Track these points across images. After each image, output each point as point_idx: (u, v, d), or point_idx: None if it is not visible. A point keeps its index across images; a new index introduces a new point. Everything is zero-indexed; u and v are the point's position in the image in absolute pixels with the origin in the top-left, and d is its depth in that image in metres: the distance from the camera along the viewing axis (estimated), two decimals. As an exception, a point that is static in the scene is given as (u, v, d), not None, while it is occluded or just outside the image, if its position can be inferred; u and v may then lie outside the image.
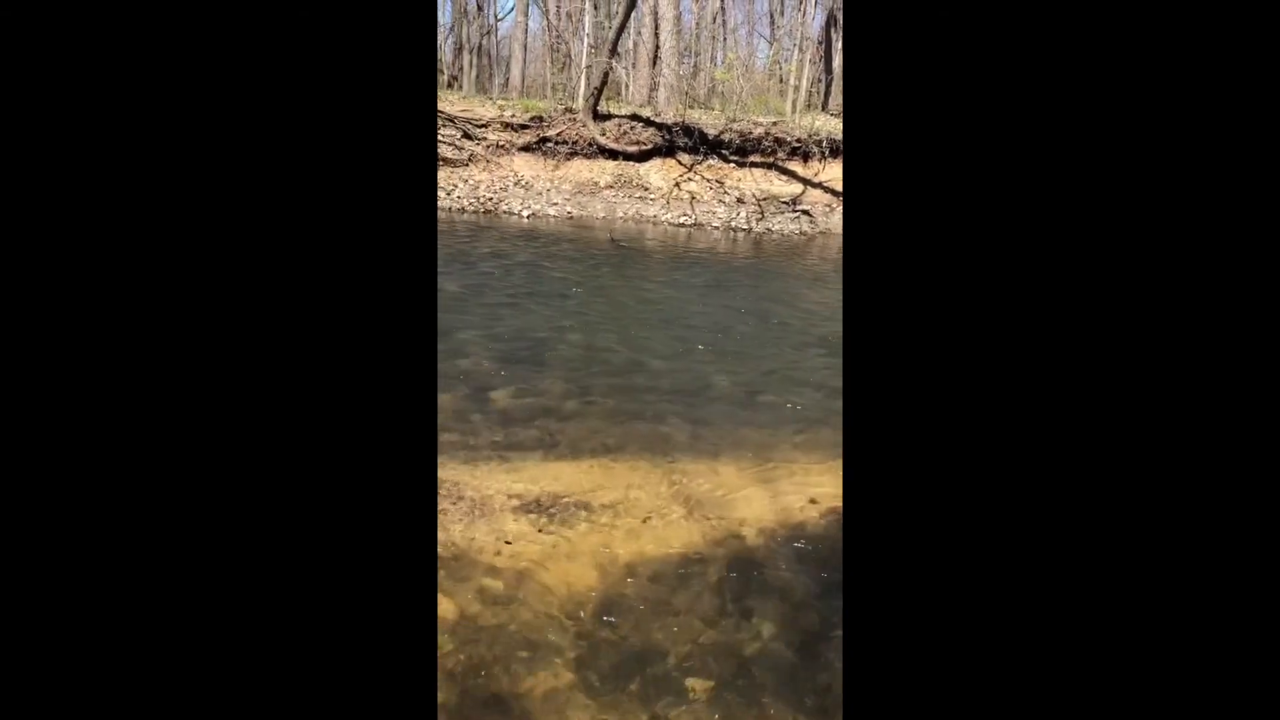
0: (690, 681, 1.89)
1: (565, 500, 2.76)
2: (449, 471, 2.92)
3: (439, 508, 2.64)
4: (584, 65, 14.50)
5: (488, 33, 21.48)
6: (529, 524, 2.58)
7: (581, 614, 2.13)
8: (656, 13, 14.31)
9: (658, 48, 14.53)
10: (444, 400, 3.65)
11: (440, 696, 1.81)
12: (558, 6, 19.97)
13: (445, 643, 1.98)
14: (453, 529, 2.52)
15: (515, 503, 2.71)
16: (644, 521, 2.66)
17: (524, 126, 12.45)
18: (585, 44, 15.00)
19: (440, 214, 10.72)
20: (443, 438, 3.23)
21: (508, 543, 2.46)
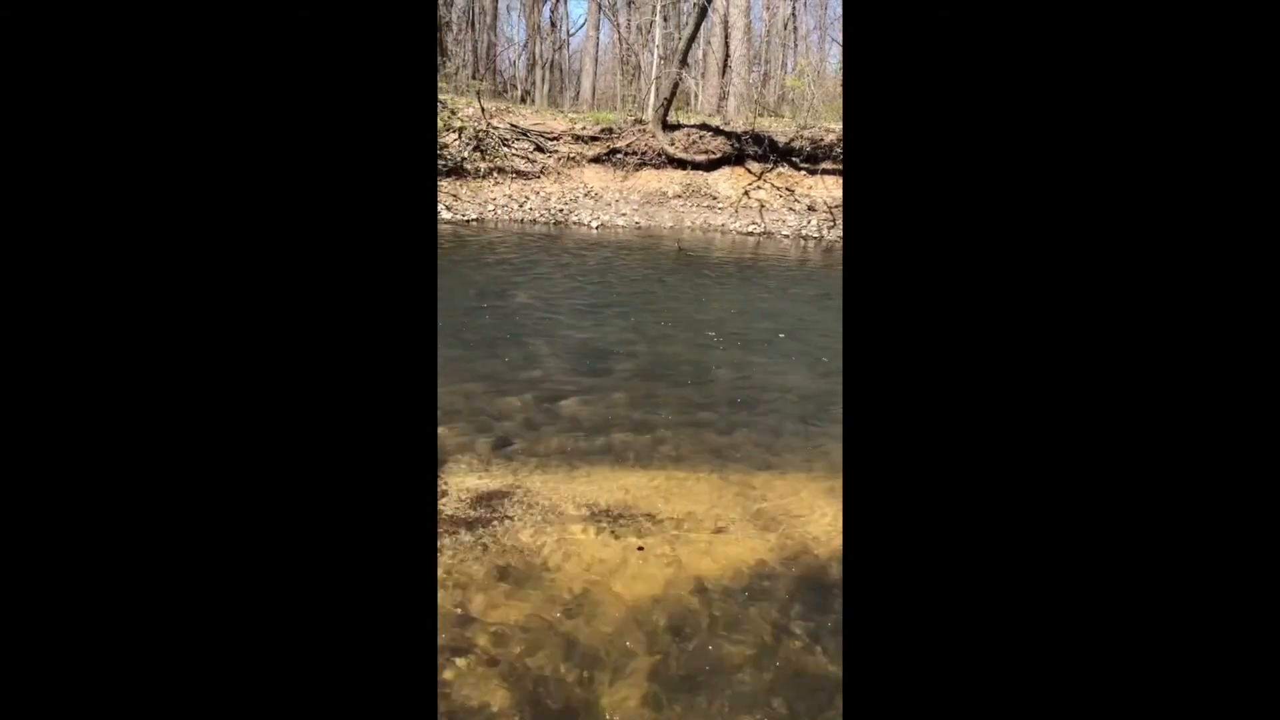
0: (761, 700, 1.84)
1: (634, 511, 2.74)
2: (518, 478, 2.96)
3: (508, 514, 2.68)
4: (654, 76, 14.61)
5: (560, 48, 21.97)
6: (597, 533, 2.58)
7: (651, 626, 2.11)
8: (727, 21, 14.28)
9: (727, 56, 14.49)
10: (513, 407, 3.72)
11: (509, 703, 1.82)
12: (628, 20, 20.24)
13: (514, 648, 2.00)
14: (522, 535, 2.55)
15: (584, 511, 2.72)
16: (714, 534, 2.62)
17: (594, 138, 12.63)
18: (655, 55, 15.13)
19: (513, 225, 11.00)
20: (512, 445, 3.28)
21: (576, 550, 2.46)
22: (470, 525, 2.60)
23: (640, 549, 2.49)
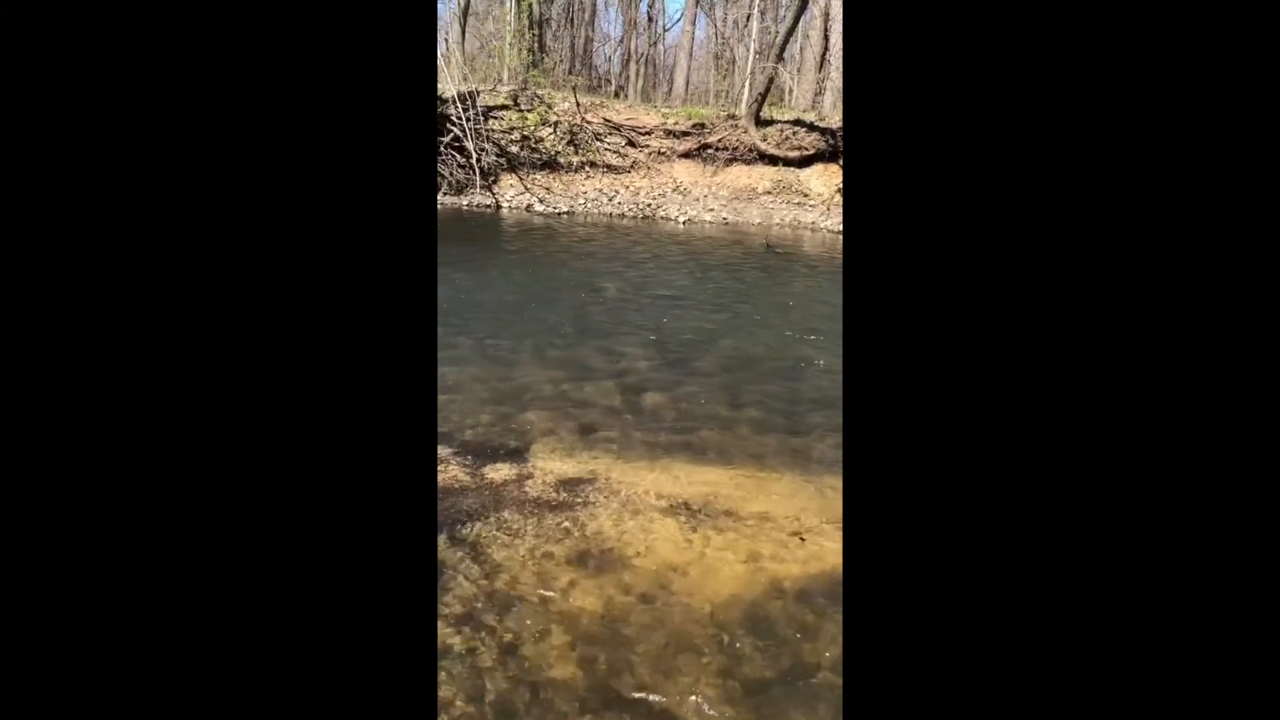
0: (835, 704, 1.81)
1: (713, 506, 2.74)
2: (601, 465, 3.02)
3: (590, 500, 2.73)
4: (748, 71, 14.42)
5: (655, 42, 22.05)
6: (676, 526, 2.60)
7: (726, 623, 2.11)
8: (827, 14, 13.90)
9: (826, 50, 14.10)
10: (598, 396, 3.79)
11: (583, 684, 1.87)
12: (724, 14, 20.05)
13: (591, 630, 2.04)
14: (602, 522, 2.60)
15: (664, 503, 2.74)
16: (792, 535, 2.58)
17: (685, 133, 12.62)
18: (750, 49, 14.92)
19: (602, 218, 11.16)
20: (595, 433, 3.35)
21: (655, 541, 2.49)
22: (553, 508, 2.67)
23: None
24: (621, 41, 21.46)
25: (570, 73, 17.00)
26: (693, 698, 1.83)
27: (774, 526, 2.63)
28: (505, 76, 14.34)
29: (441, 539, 2.45)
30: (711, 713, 1.78)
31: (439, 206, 10.83)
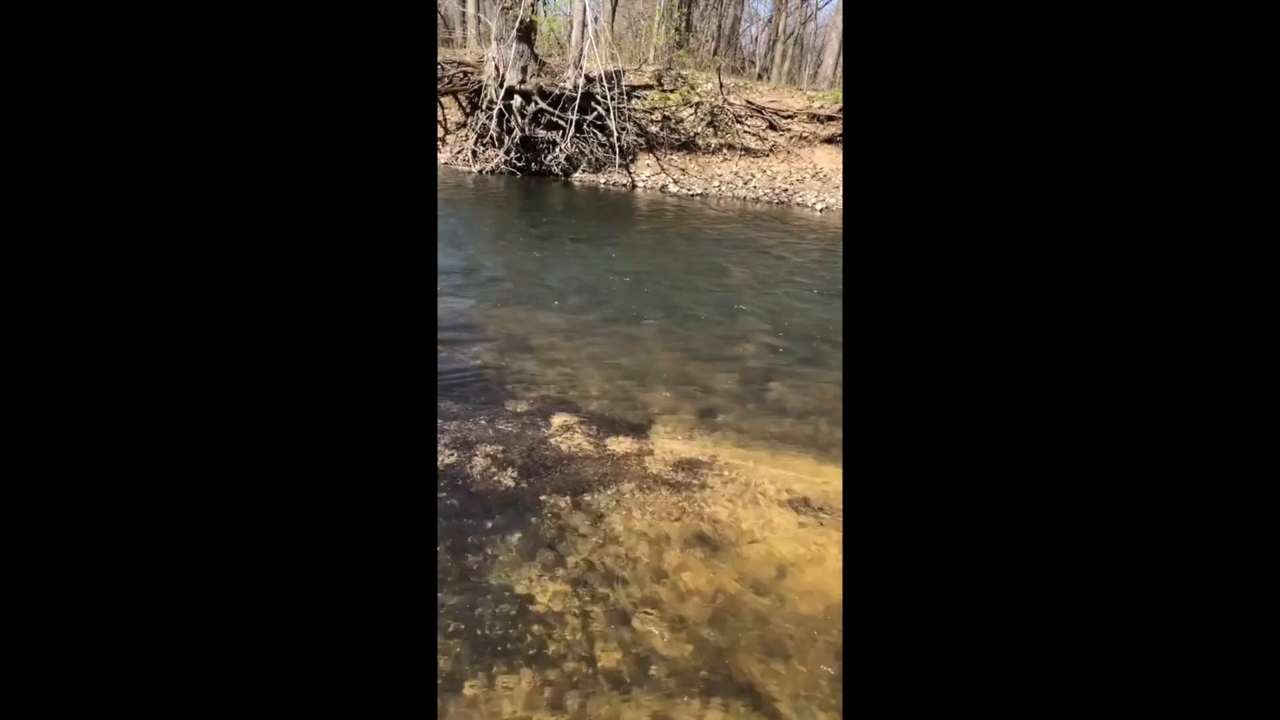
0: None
1: (834, 505, 2.65)
2: (720, 451, 3.00)
3: (707, 483, 2.72)
4: (905, 53, 13.53)
5: (806, 21, 21.26)
6: (795, 521, 2.54)
7: (839, 622, 2.04)
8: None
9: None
10: (721, 381, 3.76)
11: (692, 664, 1.87)
12: (884, -9, 18.91)
13: (703, 613, 2.04)
14: (719, 507, 2.58)
15: (784, 496, 2.68)
16: (919, 547, 2.44)
17: (830, 118, 12.12)
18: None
19: (735, 202, 11.00)
20: (716, 417, 3.33)
21: (772, 533, 2.44)
22: (671, 487, 2.69)
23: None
24: (770, 21, 20.87)
25: (715, 53, 16.79)
26: (800, 699, 1.78)
27: (899, 535, 2.50)
28: (651, 56, 14.40)
29: (564, 502, 2.54)
30: (822, 718, 1.73)
31: (577, 182, 11.13)
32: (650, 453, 2.94)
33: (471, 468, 2.72)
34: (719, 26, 19.86)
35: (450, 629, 1.93)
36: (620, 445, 2.99)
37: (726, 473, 2.82)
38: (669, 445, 3.02)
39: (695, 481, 2.74)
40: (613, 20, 14.71)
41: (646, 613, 2.05)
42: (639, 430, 3.14)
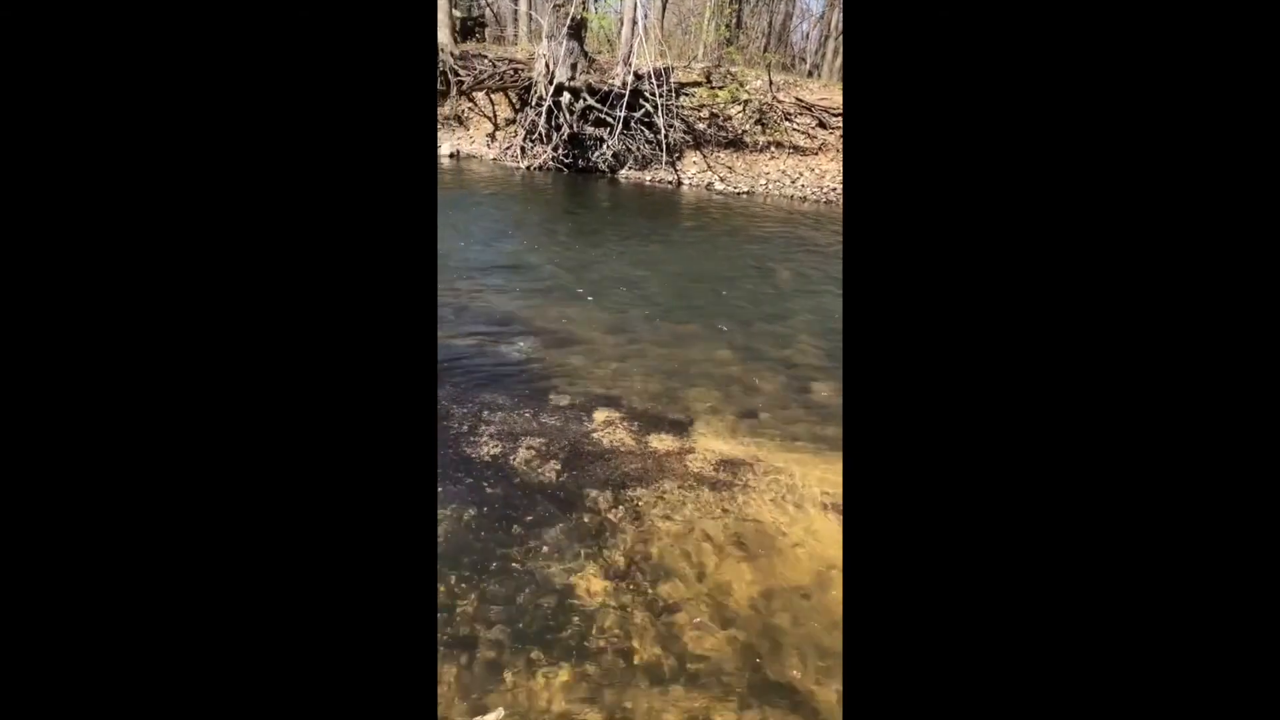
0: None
1: (879, 510, 2.60)
2: (763, 451, 2.97)
3: (749, 483, 2.70)
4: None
5: (859, 19, 20.81)
6: (838, 524, 2.50)
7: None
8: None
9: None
10: (764, 382, 3.72)
11: (735, 664, 1.86)
12: (942, -14, 18.42)
13: (742, 614, 2.03)
14: (761, 508, 2.56)
15: (828, 499, 2.64)
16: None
17: (882, 116, 11.85)
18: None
19: (782, 201, 10.87)
20: (759, 418, 3.30)
21: (815, 535, 2.41)
22: (713, 486, 2.68)
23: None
24: (822, 17, 20.54)
25: (765, 50, 16.62)
26: (841, 704, 1.75)
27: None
28: (700, 53, 14.33)
29: (606, 497, 2.55)
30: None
31: (623, 179, 11.15)
32: (692, 451, 2.94)
33: (515, 459, 2.76)
34: (770, 23, 19.64)
35: (492, 616, 1.96)
36: (662, 442, 2.99)
37: (769, 474, 2.79)
38: (711, 444, 3.01)
39: (737, 482, 2.73)
40: (663, 17, 14.69)
41: (686, 611, 2.05)
42: (681, 428, 3.13)
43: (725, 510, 2.53)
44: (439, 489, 2.53)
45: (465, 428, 2.96)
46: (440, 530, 2.31)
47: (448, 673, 1.78)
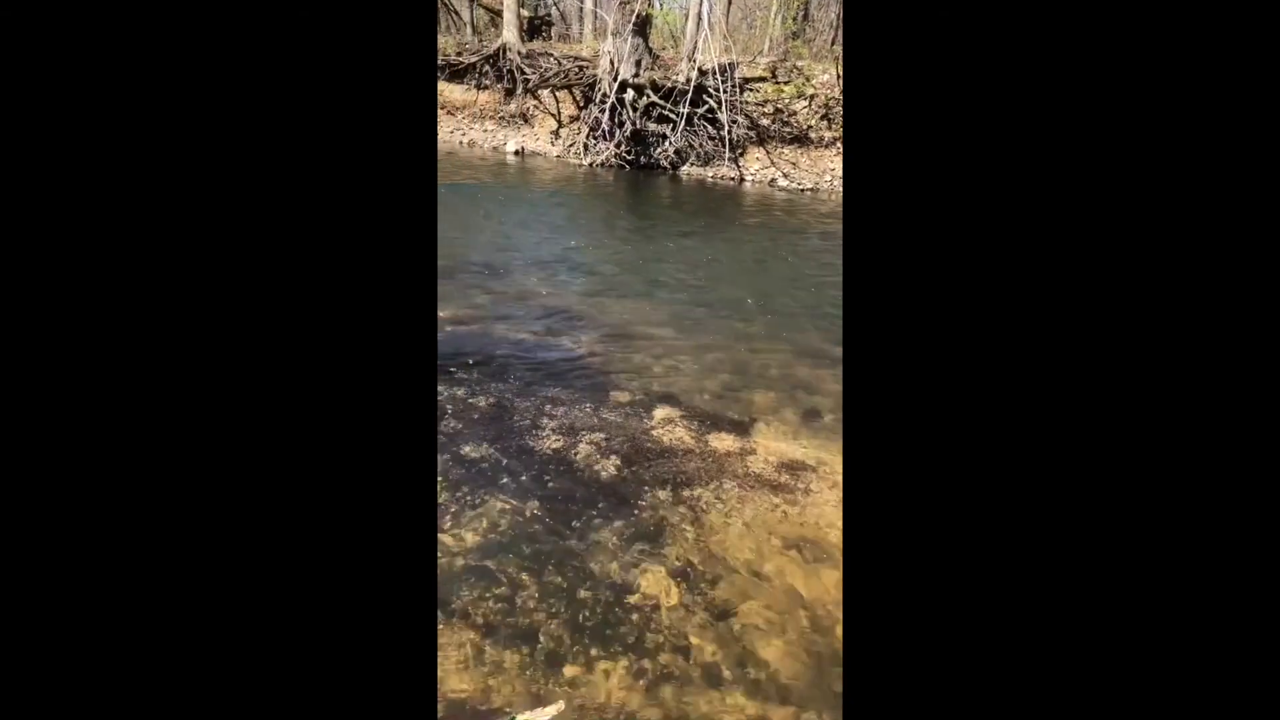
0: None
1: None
2: (825, 454, 2.91)
3: (810, 486, 2.65)
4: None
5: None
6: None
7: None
8: None
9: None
10: (827, 382, 3.64)
11: (795, 669, 1.83)
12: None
13: (803, 619, 1.99)
14: (823, 511, 2.51)
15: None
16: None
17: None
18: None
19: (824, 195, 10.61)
20: (821, 420, 3.23)
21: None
22: (774, 488, 2.64)
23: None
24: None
25: (833, 43, 16.24)
26: (907, 718, 1.70)
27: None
28: (766, 48, 14.12)
29: (665, 495, 2.55)
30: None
31: (685, 176, 11.11)
32: (753, 452, 2.90)
33: (576, 453, 2.79)
34: (838, 16, 19.16)
35: (551, 608, 1.99)
36: (722, 442, 2.96)
37: (831, 477, 2.73)
38: (772, 445, 2.96)
39: (799, 484, 2.68)
40: (728, 12, 14.54)
41: (745, 613, 2.03)
42: (741, 428, 3.10)
43: (786, 514, 2.49)
44: (503, 479, 2.58)
45: (528, 421, 3.01)
46: (503, 521, 2.36)
47: (510, 661, 1.81)
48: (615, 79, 11.15)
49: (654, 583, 2.12)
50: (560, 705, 1.64)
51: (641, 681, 1.78)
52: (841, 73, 11.98)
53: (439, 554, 2.18)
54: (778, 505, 2.53)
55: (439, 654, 1.81)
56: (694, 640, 1.92)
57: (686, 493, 2.58)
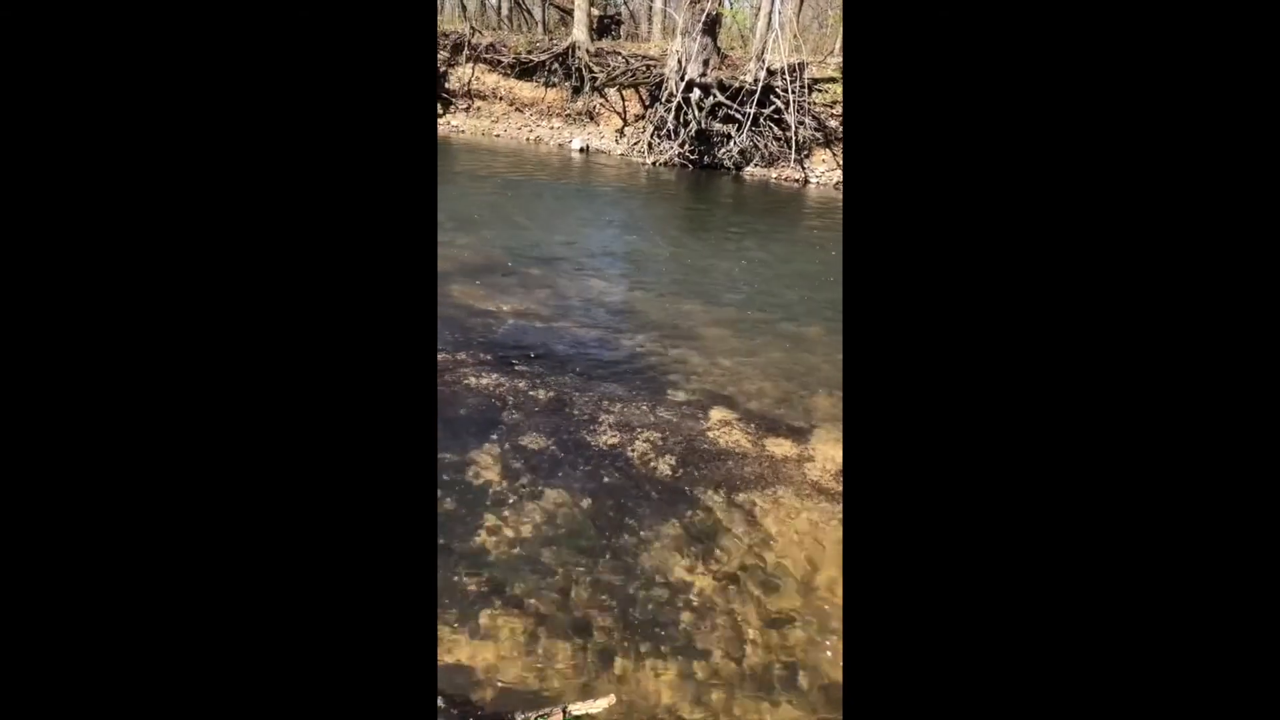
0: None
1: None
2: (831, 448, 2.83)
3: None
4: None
5: None
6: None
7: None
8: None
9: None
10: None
11: (840, 685, 1.80)
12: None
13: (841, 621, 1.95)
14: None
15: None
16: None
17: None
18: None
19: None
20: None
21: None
22: (831, 497, 2.59)
23: None
24: None
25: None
26: None
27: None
28: (836, 47, 13.85)
29: (719, 497, 2.54)
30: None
31: (748, 177, 11.00)
32: (810, 459, 2.86)
33: (632, 451, 2.80)
34: (914, 15, 18.60)
35: (604, 603, 2.01)
36: (779, 447, 2.93)
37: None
38: (831, 453, 2.91)
39: (857, 494, 2.62)
40: (799, 12, 14.32)
41: (798, 621, 2.00)
42: (799, 434, 3.06)
43: (841, 523, 2.44)
44: (560, 471, 2.62)
45: (585, 415, 3.05)
46: (560, 513, 2.39)
47: (562, 652, 1.84)
48: (682, 78, 11.13)
49: (706, 585, 2.12)
50: (611, 699, 1.66)
51: (691, 683, 1.78)
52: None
53: (496, 542, 2.23)
54: (834, 515, 2.49)
55: (493, 641, 1.85)
56: (745, 646, 1.91)
57: (741, 496, 2.56)
